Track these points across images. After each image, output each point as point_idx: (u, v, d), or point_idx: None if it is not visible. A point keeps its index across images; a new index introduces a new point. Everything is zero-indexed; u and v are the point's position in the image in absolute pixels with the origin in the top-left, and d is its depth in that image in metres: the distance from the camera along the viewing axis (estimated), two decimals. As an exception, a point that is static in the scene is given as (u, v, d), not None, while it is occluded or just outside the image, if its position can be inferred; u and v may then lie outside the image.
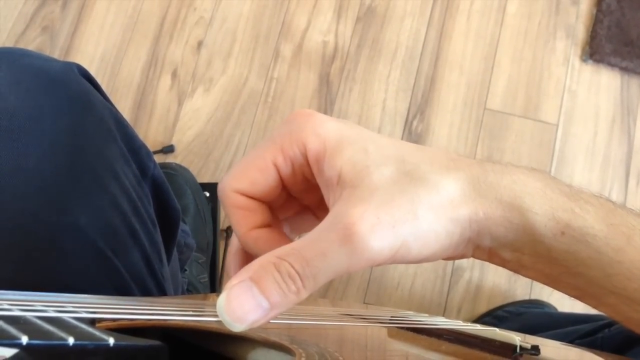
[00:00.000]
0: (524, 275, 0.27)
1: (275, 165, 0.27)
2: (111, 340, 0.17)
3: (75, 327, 0.18)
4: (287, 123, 0.28)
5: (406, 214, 0.24)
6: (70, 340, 0.16)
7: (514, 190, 0.25)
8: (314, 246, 0.23)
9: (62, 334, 0.16)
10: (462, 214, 0.25)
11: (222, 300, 0.23)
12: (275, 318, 0.24)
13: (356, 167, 0.25)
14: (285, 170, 0.28)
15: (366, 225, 0.23)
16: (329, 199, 0.27)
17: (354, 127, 0.27)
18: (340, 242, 0.23)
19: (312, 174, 0.28)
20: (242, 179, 0.28)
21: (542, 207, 0.25)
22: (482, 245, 0.26)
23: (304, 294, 0.23)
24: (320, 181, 0.27)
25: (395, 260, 0.24)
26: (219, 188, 0.28)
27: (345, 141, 0.26)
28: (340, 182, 0.25)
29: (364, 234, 0.23)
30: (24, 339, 0.15)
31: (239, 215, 0.28)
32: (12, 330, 0.16)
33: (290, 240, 0.29)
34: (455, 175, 0.25)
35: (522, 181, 0.26)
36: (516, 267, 0.27)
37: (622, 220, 0.25)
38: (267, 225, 0.29)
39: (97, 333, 0.17)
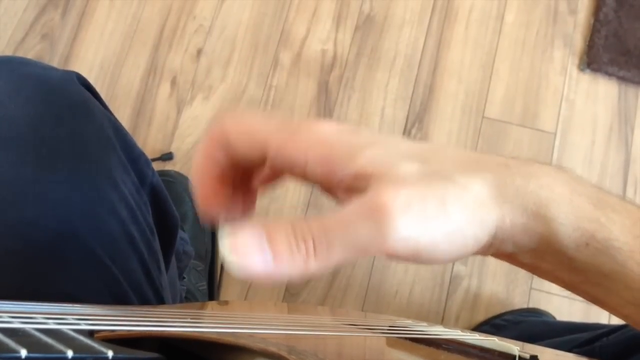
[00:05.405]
0: (541, 278, 0.27)
1: (264, 152, 0.26)
2: (110, 353, 0.17)
3: (74, 339, 0.18)
4: (299, 123, 0.26)
5: (437, 210, 0.22)
6: (69, 353, 0.16)
7: (540, 197, 0.24)
8: (336, 216, 0.22)
9: (61, 347, 0.16)
10: (490, 218, 0.24)
11: (227, 230, 0.22)
12: (279, 280, 0.22)
13: (377, 162, 0.24)
14: (273, 162, 0.26)
15: (397, 205, 0.22)
16: (350, 198, 0.25)
17: (370, 133, 0.26)
18: (365, 216, 0.22)
19: (304, 179, 0.26)
20: (235, 132, 0.26)
21: (568, 216, 0.24)
22: (503, 250, 0.26)
23: (313, 263, 0.22)
24: (331, 184, 0.25)
25: (419, 258, 0.23)
26: (220, 116, 0.27)
27: (361, 144, 0.24)
28: (361, 176, 0.24)
29: (393, 213, 0.22)
30: (23, 353, 0.15)
31: (208, 143, 0.27)
32: (11, 343, 0.16)
33: (226, 189, 0.28)
34: (482, 176, 0.24)
35: (549, 186, 0.24)
36: (534, 271, 0.27)
37: None
38: (219, 178, 0.27)
39: (96, 346, 0.17)
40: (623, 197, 1.00)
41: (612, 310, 0.26)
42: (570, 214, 0.24)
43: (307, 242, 0.22)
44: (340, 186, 0.25)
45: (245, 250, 0.22)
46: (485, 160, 0.25)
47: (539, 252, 0.25)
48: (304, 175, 0.26)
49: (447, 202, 0.23)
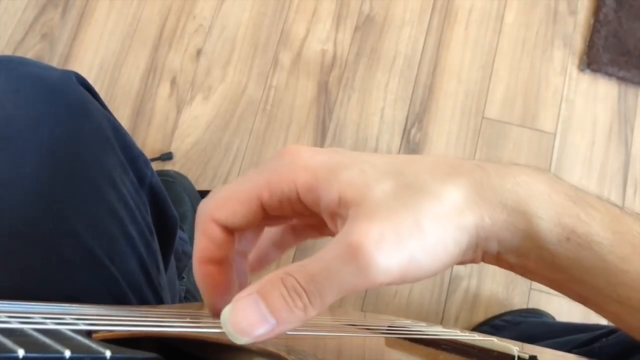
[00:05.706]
0: (530, 279, 0.27)
1: (260, 200, 0.27)
2: (108, 354, 0.17)
3: (72, 339, 0.18)
4: (275, 159, 0.27)
5: (411, 229, 0.23)
6: (67, 354, 0.16)
7: (518, 194, 0.25)
8: (318, 263, 0.23)
9: (59, 347, 0.16)
10: (468, 221, 0.24)
11: (227, 312, 0.23)
12: (283, 334, 0.23)
13: (354, 186, 0.25)
14: (271, 205, 0.27)
15: (370, 242, 0.23)
16: (335, 224, 0.26)
17: (346, 153, 0.27)
18: (344, 259, 0.23)
19: (303, 208, 0.27)
20: (224, 209, 0.27)
21: (548, 212, 0.25)
22: (489, 251, 0.26)
23: (312, 311, 0.23)
24: (319, 210, 0.26)
25: (408, 277, 0.24)
26: (199, 210, 0.28)
27: (339, 167, 0.26)
28: (342, 203, 0.25)
29: (368, 252, 0.23)
30: (21, 353, 0.15)
31: (204, 243, 0.28)
32: (9, 343, 0.16)
33: (232, 286, 0.29)
34: (456, 181, 0.25)
35: (527, 184, 0.25)
36: (522, 272, 0.27)
37: (628, 228, 0.25)
38: (223, 261, 0.28)
39: (94, 346, 0.17)
40: (623, 198, 1.00)
41: (599, 309, 0.27)
42: (550, 209, 0.25)
43: (302, 296, 0.23)
44: (326, 212, 0.26)
45: (249, 327, 0.22)
46: (461, 165, 0.26)
47: (523, 250, 0.25)
48: (301, 207, 0.27)
49: (420, 218, 0.24)
